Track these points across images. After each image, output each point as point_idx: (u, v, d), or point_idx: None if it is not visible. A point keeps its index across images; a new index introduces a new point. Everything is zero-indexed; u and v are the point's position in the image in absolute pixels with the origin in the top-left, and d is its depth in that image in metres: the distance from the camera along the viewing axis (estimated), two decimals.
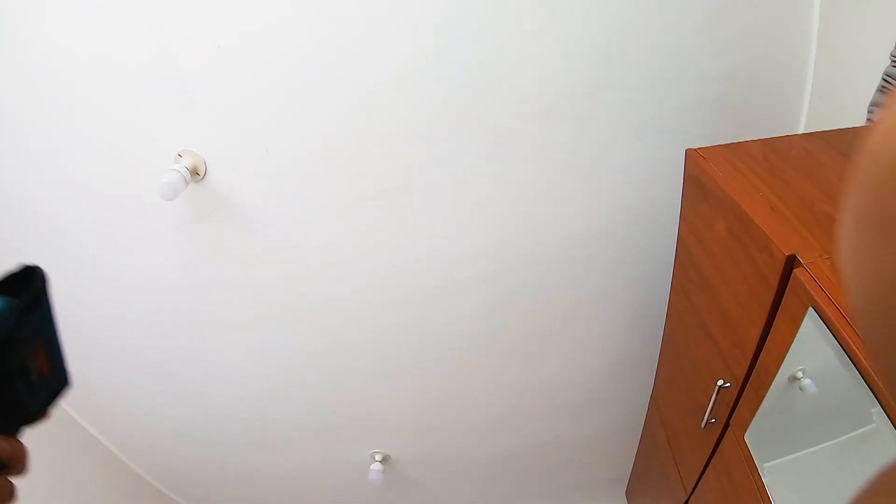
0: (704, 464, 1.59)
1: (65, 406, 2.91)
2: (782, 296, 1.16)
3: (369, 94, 1.74)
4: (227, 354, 2.50)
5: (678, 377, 1.79)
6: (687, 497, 1.76)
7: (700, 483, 1.65)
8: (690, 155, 1.58)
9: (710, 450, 1.53)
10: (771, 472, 1.27)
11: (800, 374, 1.13)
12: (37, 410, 0.61)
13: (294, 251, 2.07)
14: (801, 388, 1.14)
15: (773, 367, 1.20)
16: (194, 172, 1.77)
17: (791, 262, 1.12)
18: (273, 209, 1.97)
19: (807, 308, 1.06)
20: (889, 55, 1.38)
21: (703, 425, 1.52)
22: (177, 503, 3.82)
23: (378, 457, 3.13)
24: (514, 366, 2.55)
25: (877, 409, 0.90)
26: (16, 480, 0.63)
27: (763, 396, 1.25)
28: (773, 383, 1.21)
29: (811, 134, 1.58)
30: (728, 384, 1.41)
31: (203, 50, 1.62)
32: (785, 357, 1.15)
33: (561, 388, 2.70)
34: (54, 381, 0.63)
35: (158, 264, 2.12)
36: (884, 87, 1.42)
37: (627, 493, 2.69)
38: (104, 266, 2.14)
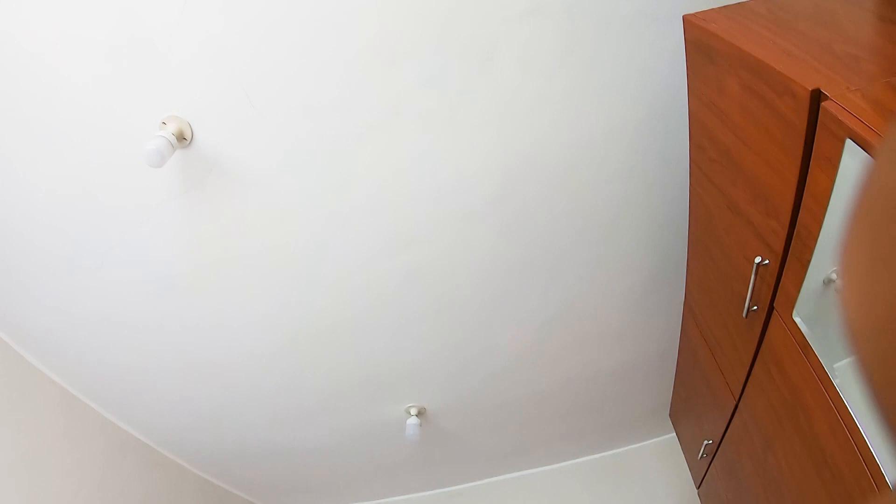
0: (751, 360, 1.42)
1: (95, 407, 2.86)
2: (813, 138, 0.99)
3: (348, 21, 1.60)
4: (245, 327, 2.42)
5: (711, 273, 1.62)
6: (735, 403, 1.60)
7: (748, 384, 1.48)
8: (689, 21, 1.41)
9: (757, 340, 1.36)
10: (843, 373, 1.09)
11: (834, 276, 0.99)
12: None
13: (292, 202, 1.96)
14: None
15: (815, 226, 1.02)
16: (181, 137, 1.70)
17: (818, 98, 0.96)
18: (265, 162, 1.85)
19: (843, 142, 0.89)
20: None
21: (744, 314, 1.35)
22: (221, 488, 3.78)
23: (413, 411, 3.04)
24: (534, 295, 2.40)
25: None
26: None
27: (808, 263, 1.07)
28: (818, 247, 1.04)
29: None
30: (767, 261, 1.24)
31: (169, 9, 1.52)
32: (827, 209, 0.98)
33: (586, 316, 2.54)
34: None
35: (162, 242, 2.04)
36: None
37: (672, 416, 2.54)
38: (104, 254, 2.07)
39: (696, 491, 2.38)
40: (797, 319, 1.16)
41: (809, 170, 1.02)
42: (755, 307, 1.34)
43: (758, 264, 1.26)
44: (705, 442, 1.96)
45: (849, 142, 0.87)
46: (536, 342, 2.66)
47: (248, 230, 2.03)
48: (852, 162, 0.89)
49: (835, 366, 1.09)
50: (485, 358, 2.75)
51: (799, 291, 1.13)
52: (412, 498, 4.22)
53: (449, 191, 1.97)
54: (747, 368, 1.45)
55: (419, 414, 3.05)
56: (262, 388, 2.80)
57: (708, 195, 1.53)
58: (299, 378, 2.75)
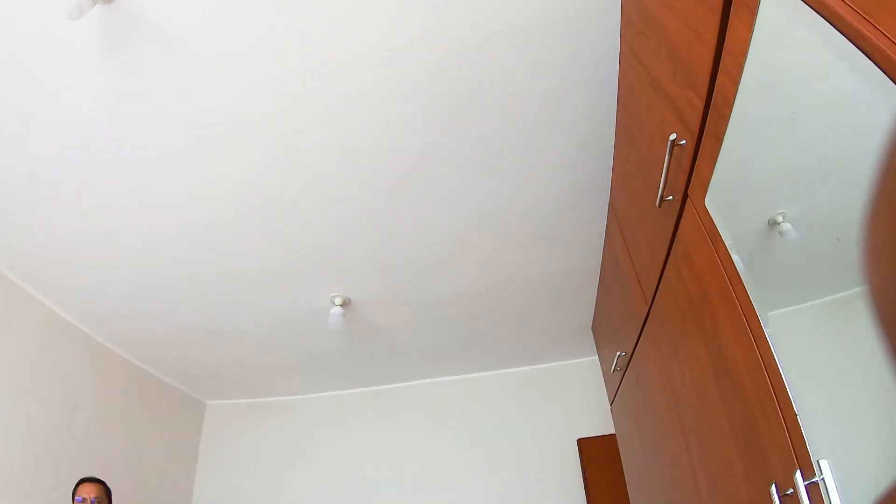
0: (664, 258, 1.26)
1: (28, 289, 2.81)
2: None
3: None
4: (170, 199, 2.28)
5: (633, 161, 1.44)
6: (648, 308, 1.46)
7: (661, 286, 1.33)
8: None
9: (671, 235, 1.20)
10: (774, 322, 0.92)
11: (780, 219, 0.88)
12: None
13: (217, 65, 1.76)
14: (780, 234, 0.87)
15: (731, 90, 0.85)
16: None
17: None
18: (190, 18, 1.63)
19: None
20: None
21: (657, 204, 1.17)
22: (153, 375, 3.72)
23: (338, 300, 2.96)
24: (467, 185, 2.22)
25: None
26: None
27: (723, 136, 0.90)
28: (733, 117, 0.85)
29: None
30: (683, 140, 1.05)
31: None
32: (744, 67, 0.79)
33: (515, 215, 2.37)
34: None
35: (86, 106, 1.88)
36: None
37: (594, 329, 2.43)
38: (26, 121, 1.92)
39: (605, 411, 2.30)
40: (709, 206, 0.99)
41: (728, 23, 0.83)
42: (670, 196, 1.16)
43: (672, 142, 1.08)
44: (619, 353, 1.84)
45: None
46: (468, 237, 2.51)
47: (172, 95, 1.85)
48: (771, 5, 0.70)
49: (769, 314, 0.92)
50: (414, 250, 2.61)
51: (713, 171, 0.95)
52: (337, 395, 4.20)
53: (378, 60, 1.75)
54: (660, 268, 1.29)
55: (343, 304, 2.95)
56: (188, 270, 2.71)
57: (634, 73, 1.33)
58: (226, 259, 2.64)
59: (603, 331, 2.20)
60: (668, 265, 1.26)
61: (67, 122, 1.92)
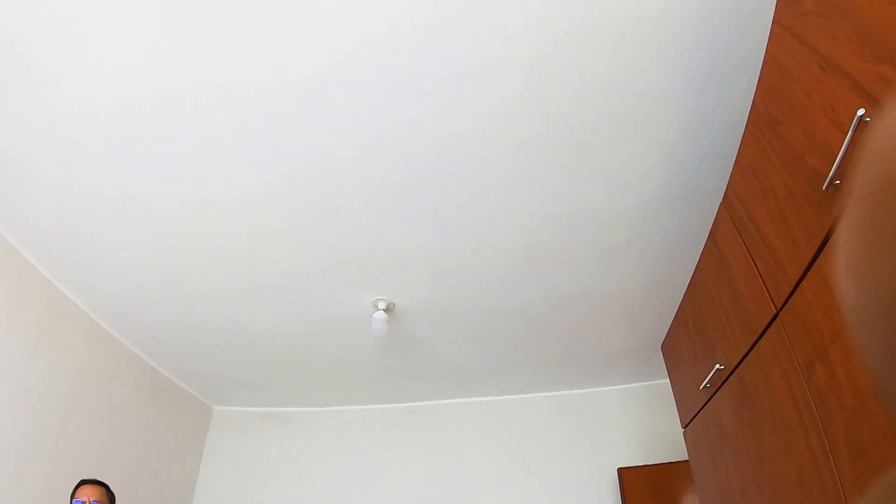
0: (814, 252, 1.17)
1: (39, 267, 2.56)
2: None
3: None
4: (207, 174, 2.13)
5: (773, 152, 1.36)
6: (776, 311, 1.36)
7: (803, 283, 1.24)
8: None
9: (831, 223, 1.11)
10: None
11: None
12: None
13: (290, 25, 1.65)
14: None
15: None
16: None
17: None
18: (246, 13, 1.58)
19: None
20: None
21: (824, 188, 1.09)
22: (161, 374, 3.53)
23: (381, 304, 2.81)
24: (543, 186, 2.14)
25: None
26: None
27: None
28: None
29: None
30: (868, 118, 0.98)
31: None
32: None
33: (593, 221, 2.28)
34: None
35: (131, 56, 1.73)
36: None
37: (665, 347, 2.32)
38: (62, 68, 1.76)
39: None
40: None
41: None
42: (838, 181, 1.08)
43: (860, 118, 1.00)
44: (716, 367, 1.73)
45: None
46: (531, 246, 2.41)
47: (233, 52, 1.73)
48: None
49: None
50: (473, 257, 2.50)
51: None
52: (365, 409, 4.02)
53: (474, 35, 1.66)
54: (807, 262, 1.20)
55: (387, 309, 2.81)
56: (217, 256, 2.52)
57: (791, 58, 1.26)
58: (262, 249, 2.46)
59: (685, 347, 2.09)
60: (820, 257, 1.17)
61: (104, 73, 1.79)
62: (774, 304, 1.37)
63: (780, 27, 1.30)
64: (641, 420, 3.42)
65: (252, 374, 3.63)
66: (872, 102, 0.99)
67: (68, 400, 2.81)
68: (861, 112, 1.00)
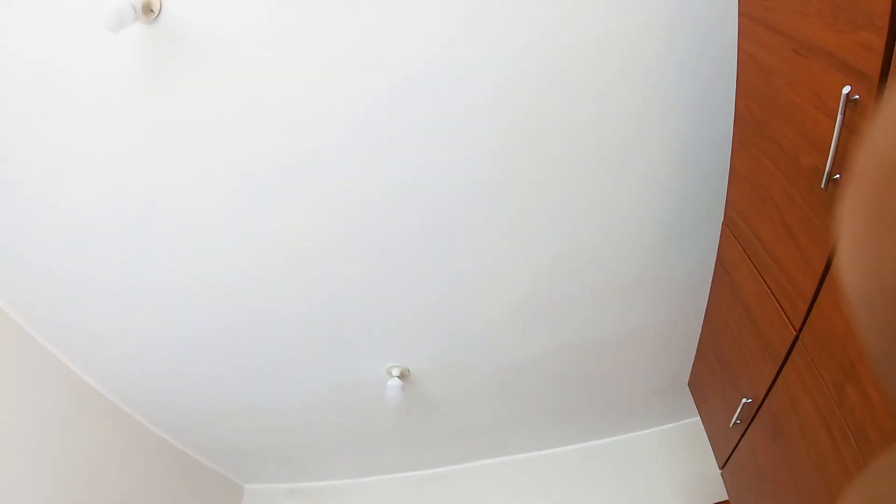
0: (827, 258, 1.06)
1: (59, 356, 2.57)
2: None
3: None
4: (210, 258, 2.15)
5: (766, 158, 1.26)
6: (796, 333, 1.23)
7: (819, 297, 1.12)
8: None
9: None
10: None
11: None
12: None
13: (267, 86, 1.67)
14: None
15: None
16: (147, 10, 1.53)
17: None
18: (238, 37, 1.58)
19: None
20: None
21: (823, 185, 0.99)
22: (184, 453, 3.44)
23: (395, 371, 2.74)
24: (541, 228, 2.04)
25: None
26: None
27: None
28: None
29: None
30: (857, 95, 0.89)
31: None
32: None
33: (597, 258, 2.17)
34: None
35: (121, 133, 1.78)
36: None
37: (692, 384, 2.17)
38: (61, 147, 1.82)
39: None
40: None
41: None
42: (837, 175, 0.98)
43: (846, 96, 0.91)
44: (743, 401, 1.58)
45: None
46: (540, 291, 2.30)
47: (218, 124, 1.74)
48: None
49: None
50: (479, 308, 2.41)
51: None
52: (391, 479, 3.83)
53: (450, 79, 1.65)
54: (820, 272, 1.08)
55: (402, 376, 2.73)
56: (230, 338, 2.51)
57: (764, 50, 1.19)
58: (268, 319, 2.43)
59: (710, 382, 1.94)
60: (831, 268, 1.05)
61: (100, 152, 1.83)
62: (793, 326, 1.24)
63: (747, 19, 1.23)
64: (683, 461, 3.20)
65: (277, 450, 3.54)
66: (858, 76, 0.90)
67: (88, 485, 2.73)
68: (847, 90, 0.91)
